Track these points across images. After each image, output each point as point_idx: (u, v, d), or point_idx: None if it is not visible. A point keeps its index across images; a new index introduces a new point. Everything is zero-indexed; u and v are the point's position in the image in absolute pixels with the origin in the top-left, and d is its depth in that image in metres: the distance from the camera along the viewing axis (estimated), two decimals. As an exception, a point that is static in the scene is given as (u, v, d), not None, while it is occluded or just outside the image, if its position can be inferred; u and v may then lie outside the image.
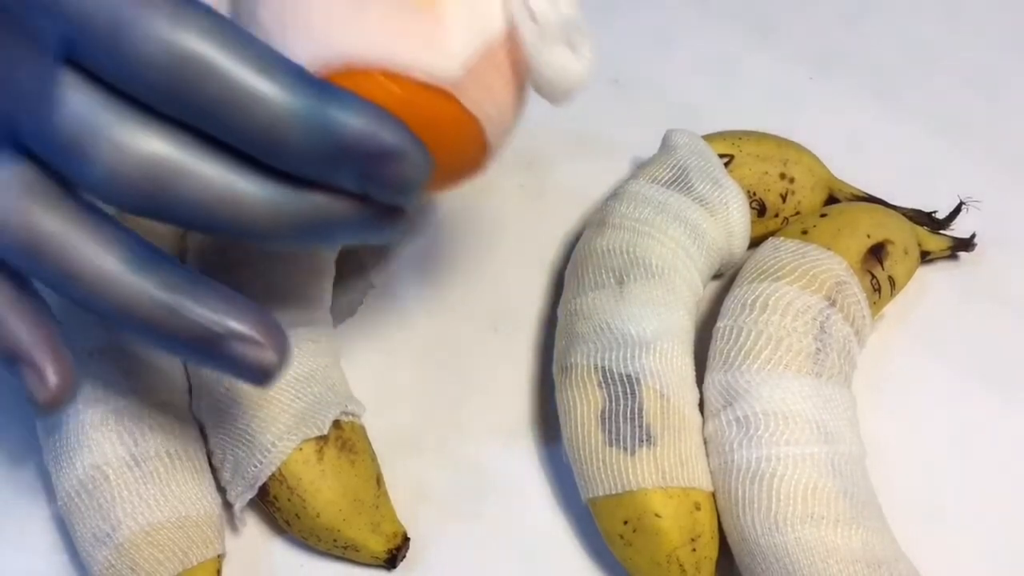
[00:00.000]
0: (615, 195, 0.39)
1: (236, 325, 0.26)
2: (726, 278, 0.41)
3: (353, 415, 0.36)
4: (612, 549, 0.35)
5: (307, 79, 0.25)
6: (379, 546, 0.35)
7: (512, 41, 0.27)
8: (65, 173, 0.25)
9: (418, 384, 0.39)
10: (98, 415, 0.34)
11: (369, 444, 0.36)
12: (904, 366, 0.39)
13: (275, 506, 0.35)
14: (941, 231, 0.41)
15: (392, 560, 0.35)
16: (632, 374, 0.34)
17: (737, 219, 0.39)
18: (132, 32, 0.23)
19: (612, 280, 0.36)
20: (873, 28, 0.48)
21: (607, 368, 0.35)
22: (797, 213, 0.40)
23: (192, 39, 0.24)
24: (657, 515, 0.33)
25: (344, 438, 0.35)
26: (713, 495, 0.34)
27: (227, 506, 0.35)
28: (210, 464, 0.35)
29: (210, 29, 0.24)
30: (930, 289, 0.41)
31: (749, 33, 0.48)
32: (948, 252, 0.41)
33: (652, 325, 0.35)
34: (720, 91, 0.47)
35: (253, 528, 0.36)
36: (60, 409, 0.27)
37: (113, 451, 0.33)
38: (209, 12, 0.24)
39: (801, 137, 0.41)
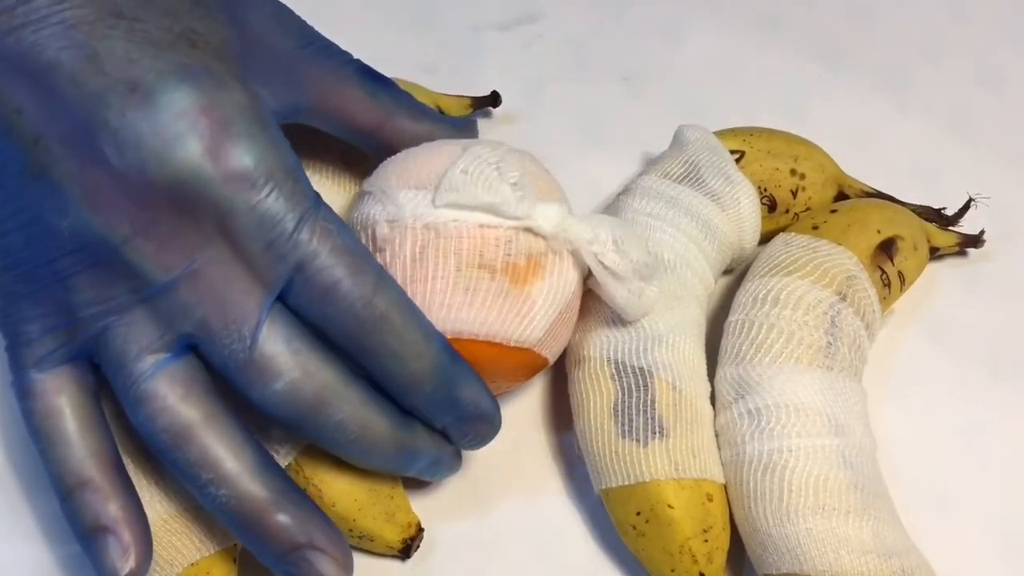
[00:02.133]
0: (627, 190, 0.39)
1: (318, 537, 0.31)
2: (737, 273, 0.41)
3: (368, 407, 0.36)
4: (624, 540, 0.35)
5: (450, 349, 0.32)
6: (394, 536, 0.35)
7: (578, 294, 0.35)
8: (242, 385, 0.30)
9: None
10: (115, 405, 0.34)
11: (383, 435, 0.36)
12: (914, 360, 0.40)
13: (290, 496, 0.35)
14: (950, 227, 0.41)
15: (407, 550, 0.35)
16: (645, 367, 0.35)
17: (748, 214, 0.39)
18: (344, 289, 0.30)
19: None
20: (883, 25, 0.49)
21: (620, 361, 0.35)
22: (807, 209, 0.41)
23: (386, 302, 0.30)
24: (669, 506, 0.33)
25: (359, 429, 0.35)
26: (725, 487, 0.35)
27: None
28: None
29: (398, 299, 0.31)
30: (939, 285, 0.41)
31: (759, 30, 0.49)
32: (957, 248, 0.41)
33: (664, 319, 0.36)
34: (731, 88, 0.47)
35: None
36: None
37: (131, 439, 0.34)
38: (396, 284, 0.31)
39: (811, 134, 0.42)
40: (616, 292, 0.34)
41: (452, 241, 0.33)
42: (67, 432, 0.31)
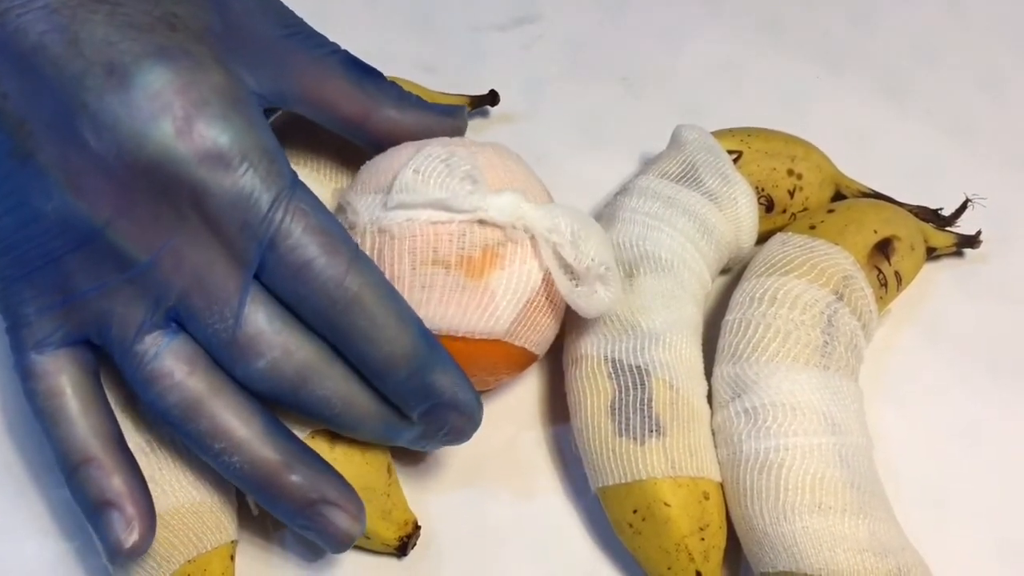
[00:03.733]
0: (625, 190, 0.40)
1: (330, 492, 0.32)
2: (734, 273, 0.41)
3: (365, 404, 0.36)
4: (621, 538, 0.35)
5: (428, 335, 0.32)
6: (390, 534, 0.35)
7: (550, 282, 0.34)
8: (226, 362, 0.31)
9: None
10: (113, 401, 0.34)
11: (381, 433, 0.36)
12: (910, 360, 0.40)
13: (288, 493, 0.35)
14: (947, 228, 0.41)
15: (403, 548, 0.35)
16: (642, 365, 0.35)
17: (745, 214, 0.39)
18: (316, 269, 0.30)
19: (622, 273, 0.37)
20: (882, 27, 0.49)
21: (617, 359, 0.35)
22: (804, 209, 0.41)
23: (359, 283, 0.30)
24: (666, 504, 0.33)
25: (356, 427, 0.35)
26: (721, 485, 0.35)
27: (240, 493, 0.36)
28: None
29: (373, 280, 0.31)
30: (935, 285, 0.42)
31: (758, 31, 0.49)
32: (954, 249, 0.42)
33: (661, 317, 0.36)
34: (729, 89, 0.47)
35: (266, 514, 0.36)
36: (138, 555, 0.31)
37: (129, 437, 0.34)
38: (373, 266, 0.31)
39: (809, 134, 0.42)
40: (567, 288, 0.34)
41: (406, 241, 0.33)
42: (69, 411, 0.32)
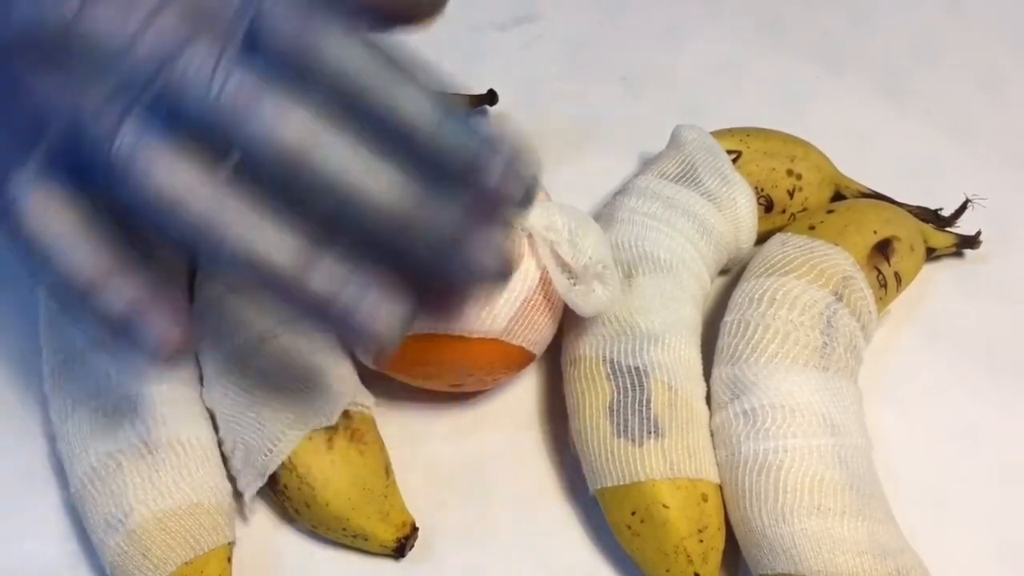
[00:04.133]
0: (624, 190, 0.39)
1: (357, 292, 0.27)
2: (733, 273, 0.41)
3: (363, 405, 0.36)
4: (619, 539, 0.35)
5: (441, 93, 0.28)
6: (388, 535, 0.35)
7: (548, 281, 0.34)
8: (229, 132, 0.27)
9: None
10: (110, 403, 0.34)
11: (378, 434, 0.36)
12: (909, 361, 0.40)
13: (285, 495, 0.35)
14: (947, 228, 0.41)
15: (401, 549, 0.35)
16: (640, 366, 0.35)
17: (745, 215, 0.39)
18: (319, 31, 0.27)
19: (621, 273, 0.37)
20: (882, 27, 0.49)
21: (616, 360, 0.35)
22: (804, 209, 0.41)
23: (366, 43, 0.27)
24: (665, 506, 0.33)
25: (354, 428, 0.35)
26: (720, 487, 0.35)
27: (237, 495, 0.36)
28: (220, 452, 0.36)
29: (378, 37, 0.28)
30: (935, 286, 0.41)
31: (758, 31, 0.49)
32: (953, 249, 0.41)
33: (660, 318, 0.36)
34: (728, 89, 0.47)
35: (263, 516, 0.37)
36: (184, 354, 0.29)
37: (126, 439, 0.34)
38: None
39: (808, 134, 0.42)
40: (564, 287, 0.34)
41: None
42: (68, 233, 0.28)
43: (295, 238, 0.28)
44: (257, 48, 0.27)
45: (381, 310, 0.28)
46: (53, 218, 0.28)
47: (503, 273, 0.29)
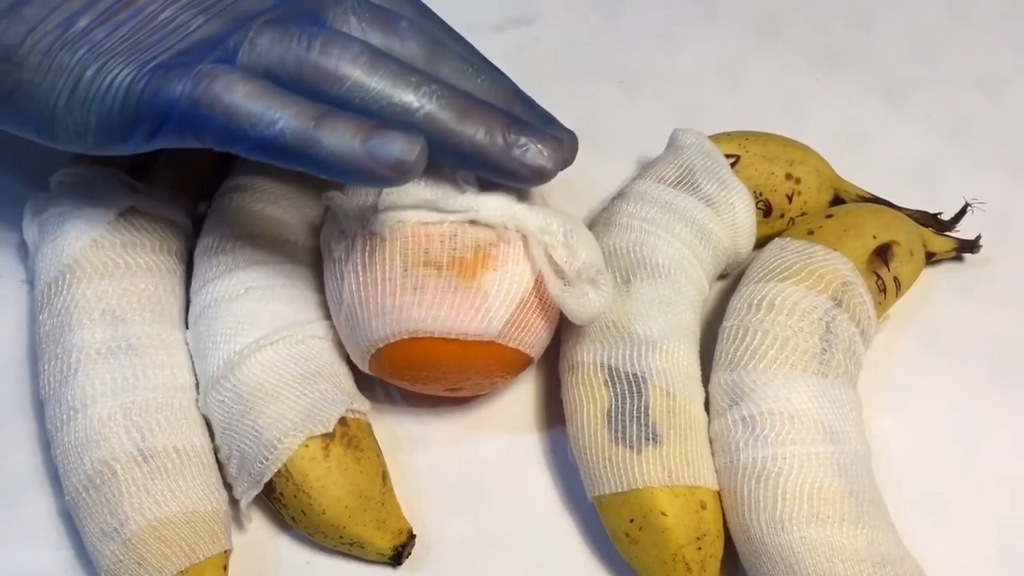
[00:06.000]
0: (621, 194, 0.39)
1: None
2: (731, 278, 0.41)
3: (359, 412, 0.36)
4: (618, 547, 0.35)
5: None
6: (385, 543, 0.35)
7: (543, 284, 0.34)
8: (317, 72, 0.31)
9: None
10: (106, 411, 0.34)
11: (375, 441, 0.36)
12: (909, 366, 0.40)
13: (281, 502, 0.35)
14: (946, 233, 0.41)
15: (398, 557, 0.35)
16: (639, 373, 0.35)
17: (743, 219, 0.39)
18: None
19: (619, 279, 0.37)
20: (881, 29, 0.49)
21: (613, 367, 0.35)
22: (803, 214, 0.40)
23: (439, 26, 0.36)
24: (663, 513, 0.33)
25: (350, 435, 0.35)
26: (719, 494, 0.34)
27: (233, 502, 0.35)
28: (216, 460, 0.36)
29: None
30: (935, 290, 0.41)
31: (757, 34, 0.48)
32: (953, 253, 0.41)
33: (658, 324, 0.35)
34: (726, 91, 0.47)
35: (259, 524, 0.36)
36: (419, 169, 0.30)
37: (121, 446, 0.34)
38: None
39: (807, 138, 0.41)
40: (558, 290, 0.34)
41: (397, 243, 0.33)
42: (278, 92, 0.31)
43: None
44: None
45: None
46: (255, 82, 0.31)
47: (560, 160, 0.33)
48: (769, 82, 0.47)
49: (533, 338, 0.35)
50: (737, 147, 0.40)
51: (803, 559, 0.32)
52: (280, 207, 0.38)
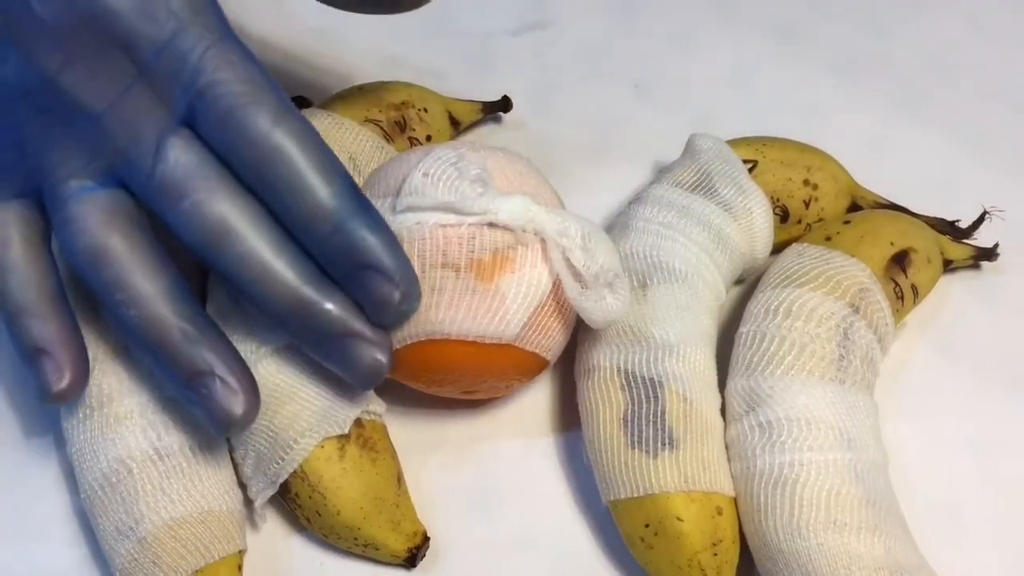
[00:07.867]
0: (638, 199, 0.39)
1: (220, 366, 0.32)
2: (748, 283, 0.41)
3: (375, 414, 0.36)
4: (632, 552, 0.35)
5: (355, 193, 0.32)
6: (399, 545, 0.35)
7: (560, 287, 0.34)
8: (158, 210, 0.32)
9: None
10: (122, 409, 0.34)
11: (390, 443, 0.36)
12: (926, 374, 0.39)
13: (296, 503, 0.35)
14: (964, 240, 0.41)
15: (412, 559, 0.35)
16: (655, 377, 0.34)
17: (760, 224, 0.39)
18: (243, 118, 0.31)
19: (635, 283, 0.36)
20: (898, 37, 0.49)
21: (630, 371, 0.35)
22: (820, 220, 0.40)
23: (284, 136, 0.31)
24: (679, 519, 0.33)
25: (366, 436, 0.35)
26: (735, 500, 0.34)
27: (248, 502, 0.35)
28: (232, 460, 0.35)
29: (300, 132, 0.31)
30: (952, 298, 0.41)
31: (773, 39, 0.48)
32: (971, 261, 0.41)
33: (675, 329, 0.35)
34: (743, 97, 0.47)
35: (274, 525, 0.36)
36: (67, 401, 0.33)
37: (137, 445, 0.34)
38: (302, 119, 0.32)
39: (825, 144, 0.41)
40: (576, 293, 0.33)
41: (415, 244, 0.33)
42: (12, 261, 0.33)
43: (182, 306, 0.32)
44: (198, 118, 0.31)
45: (226, 395, 0.32)
46: (3, 245, 0.33)
47: (370, 378, 0.33)
48: (786, 88, 0.47)
49: (550, 341, 0.35)
50: (755, 152, 0.40)
51: (820, 566, 0.32)
52: None
